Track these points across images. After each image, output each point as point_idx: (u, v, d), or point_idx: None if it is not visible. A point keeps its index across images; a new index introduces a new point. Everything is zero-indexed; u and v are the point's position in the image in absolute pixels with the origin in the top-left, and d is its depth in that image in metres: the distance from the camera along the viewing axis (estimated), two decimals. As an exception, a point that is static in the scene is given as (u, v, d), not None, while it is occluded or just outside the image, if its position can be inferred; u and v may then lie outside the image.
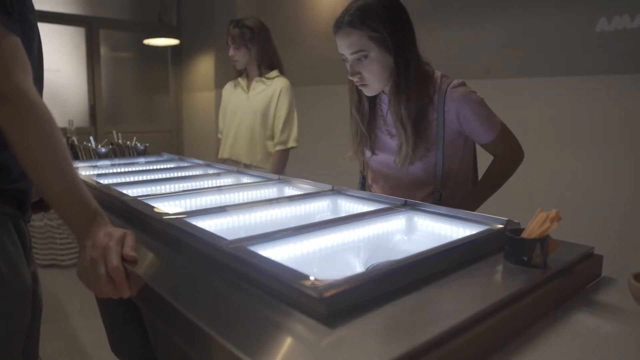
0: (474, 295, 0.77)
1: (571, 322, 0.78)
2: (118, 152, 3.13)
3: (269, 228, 1.08)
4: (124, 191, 1.41)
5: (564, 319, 0.78)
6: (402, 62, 1.34)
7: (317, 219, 1.29)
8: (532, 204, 1.07)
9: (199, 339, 0.66)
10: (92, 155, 3.00)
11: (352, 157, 1.57)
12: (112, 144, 3.21)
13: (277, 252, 0.92)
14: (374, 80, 1.37)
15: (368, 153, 1.54)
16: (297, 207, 1.31)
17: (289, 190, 1.55)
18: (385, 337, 0.64)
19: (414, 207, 1.20)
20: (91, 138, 3.12)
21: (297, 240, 0.97)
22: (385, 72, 1.36)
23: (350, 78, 1.40)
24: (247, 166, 2.35)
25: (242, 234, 1.03)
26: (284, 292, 0.72)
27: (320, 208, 1.36)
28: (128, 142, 3.14)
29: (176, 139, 5.91)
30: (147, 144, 3.09)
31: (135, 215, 1.19)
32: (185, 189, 1.60)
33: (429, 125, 1.40)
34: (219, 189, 1.49)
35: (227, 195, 1.47)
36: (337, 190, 1.42)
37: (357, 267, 1.03)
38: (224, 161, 2.46)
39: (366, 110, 1.49)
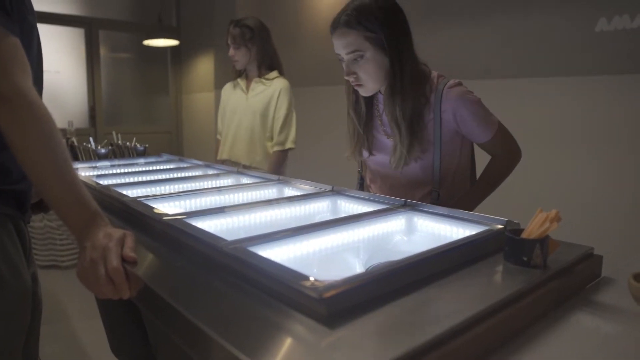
0: (474, 296, 0.77)
1: (571, 323, 0.78)
2: (118, 153, 3.13)
3: (268, 229, 1.08)
4: (124, 192, 1.41)
5: (564, 319, 0.78)
6: (397, 62, 1.35)
7: (316, 219, 1.29)
8: (531, 204, 1.07)
9: (198, 339, 0.66)
10: (92, 156, 3.00)
11: (349, 157, 1.58)
12: (111, 144, 3.21)
13: (277, 253, 0.92)
14: (370, 80, 1.38)
15: (365, 153, 1.54)
16: (297, 207, 1.31)
17: (288, 191, 1.55)
18: (385, 337, 0.64)
19: (413, 208, 1.20)
20: (91, 139, 3.11)
21: (296, 241, 0.97)
22: (380, 73, 1.36)
23: (346, 78, 1.41)
24: (246, 167, 2.35)
25: (242, 235, 1.03)
26: (284, 292, 0.72)
27: (320, 209, 1.36)
28: (128, 143, 3.14)
29: (176, 139, 5.91)
30: (147, 145, 3.09)
31: (135, 216, 1.19)
32: (185, 189, 1.60)
33: (425, 126, 1.40)
34: (219, 189, 1.49)
35: (226, 196, 1.47)
36: (336, 191, 1.42)
37: (357, 267, 1.03)
38: (223, 162, 2.46)
39: (363, 111, 1.49)
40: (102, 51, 5.35)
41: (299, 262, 0.95)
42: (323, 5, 4.15)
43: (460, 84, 1.41)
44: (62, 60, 5.09)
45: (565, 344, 0.71)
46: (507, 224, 1.02)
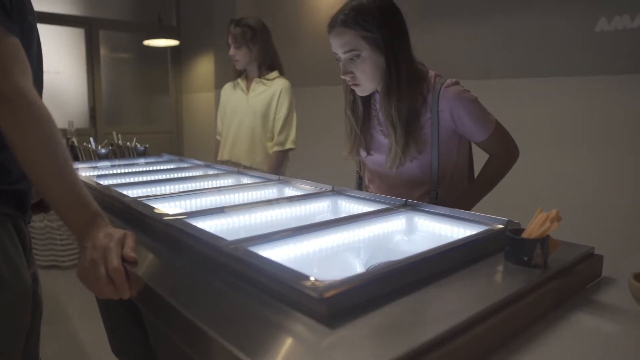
0: (474, 296, 0.77)
1: (571, 322, 0.78)
2: (118, 153, 3.13)
3: (269, 229, 1.08)
4: (124, 192, 1.41)
5: (564, 319, 0.78)
6: (393, 63, 1.35)
7: (317, 219, 1.29)
8: (532, 204, 1.07)
9: (199, 339, 0.66)
10: (92, 156, 3.00)
11: (346, 157, 1.58)
12: (112, 145, 3.21)
13: (277, 253, 0.92)
14: (366, 79, 1.38)
15: (363, 153, 1.54)
16: (297, 207, 1.31)
17: (289, 191, 1.55)
18: (386, 337, 0.64)
19: (414, 208, 1.20)
20: (91, 139, 3.12)
21: (297, 241, 0.97)
22: (376, 72, 1.37)
23: (342, 77, 1.41)
24: (247, 168, 2.35)
25: (242, 235, 1.03)
26: (284, 292, 0.72)
27: (321, 208, 1.36)
28: (128, 143, 3.15)
29: (176, 139, 5.91)
30: (147, 145, 3.09)
31: (135, 216, 1.19)
32: (185, 189, 1.60)
33: (422, 126, 1.41)
34: (219, 189, 1.49)
35: (227, 196, 1.47)
36: (337, 191, 1.42)
37: (358, 267, 1.03)
38: (224, 163, 2.45)
39: (360, 111, 1.50)
40: (102, 51, 5.35)
41: (300, 262, 0.95)
42: (323, 5, 4.15)
43: (457, 83, 1.41)
44: (62, 61, 5.09)
45: (566, 344, 0.71)
46: (508, 223, 1.02)
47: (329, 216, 1.33)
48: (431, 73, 1.44)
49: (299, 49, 4.30)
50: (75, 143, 3.18)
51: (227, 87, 2.57)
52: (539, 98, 2.78)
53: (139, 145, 3.07)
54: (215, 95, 5.11)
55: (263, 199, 1.51)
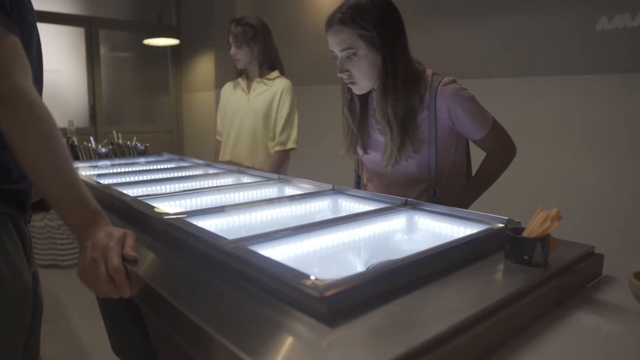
0: (475, 295, 0.77)
1: (572, 321, 0.78)
2: (118, 152, 3.13)
3: (269, 228, 1.08)
4: (124, 191, 1.41)
5: (565, 318, 0.78)
6: (389, 61, 1.35)
7: (317, 218, 1.29)
8: (532, 203, 1.07)
9: (199, 338, 0.66)
10: (92, 156, 3.00)
11: (343, 155, 1.58)
12: (112, 144, 3.21)
13: (278, 252, 0.92)
14: (362, 78, 1.39)
15: (360, 151, 1.54)
16: (298, 206, 1.31)
17: (289, 190, 1.55)
18: (386, 336, 0.64)
19: (414, 207, 1.20)
20: (91, 138, 3.12)
21: (297, 240, 0.97)
22: (373, 71, 1.37)
23: (339, 75, 1.41)
24: (248, 168, 2.34)
25: (243, 234, 1.03)
26: (285, 291, 0.72)
27: (321, 207, 1.36)
28: (128, 142, 3.14)
29: (176, 139, 5.91)
30: (147, 144, 3.09)
31: (136, 215, 1.19)
32: (186, 188, 1.60)
33: (418, 125, 1.41)
34: (219, 188, 1.49)
35: (227, 195, 1.47)
36: (337, 190, 1.42)
37: (358, 266, 1.03)
38: (226, 164, 2.44)
39: (357, 109, 1.50)
40: (103, 50, 5.35)
41: (300, 261, 0.95)
42: (323, 4, 4.14)
43: (454, 81, 1.41)
44: (62, 60, 5.09)
45: (566, 343, 0.71)
46: (508, 222, 1.02)
47: (329, 215, 1.33)
48: (428, 72, 1.44)
49: (299, 48, 4.30)
50: (76, 142, 3.18)
51: (228, 87, 2.56)
52: (540, 97, 2.78)
53: (139, 145, 3.07)
54: (215, 95, 5.11)
55: (263, 198, 1.51)
